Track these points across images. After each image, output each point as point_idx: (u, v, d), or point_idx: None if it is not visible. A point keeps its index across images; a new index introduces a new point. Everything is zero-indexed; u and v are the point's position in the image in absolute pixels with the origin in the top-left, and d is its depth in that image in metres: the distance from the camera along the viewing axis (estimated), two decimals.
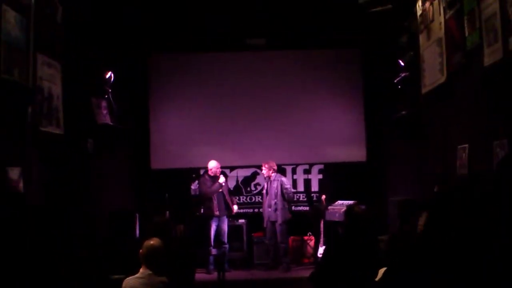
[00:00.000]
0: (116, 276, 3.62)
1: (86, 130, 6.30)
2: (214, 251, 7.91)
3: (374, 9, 6.88)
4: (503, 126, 4.29)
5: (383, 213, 7.65)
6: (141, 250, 3.57)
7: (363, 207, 6.54)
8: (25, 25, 4.68)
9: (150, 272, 3.47)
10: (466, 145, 5.03)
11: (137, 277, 3.49)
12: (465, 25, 4.86)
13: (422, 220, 4.28)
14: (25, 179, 4.46)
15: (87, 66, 6.37)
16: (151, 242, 3.57)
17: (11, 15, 4.43)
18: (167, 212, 7.75)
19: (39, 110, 4.94)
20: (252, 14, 7.81)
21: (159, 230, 3.99)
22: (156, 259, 3.50)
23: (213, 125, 9.06)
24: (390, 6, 6.85)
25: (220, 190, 8.03)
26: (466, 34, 4.86)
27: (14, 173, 4.36)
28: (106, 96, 6.86)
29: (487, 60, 4.39)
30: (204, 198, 8.05)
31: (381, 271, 3.94)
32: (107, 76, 6.85)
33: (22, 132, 4.62)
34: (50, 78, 5.27)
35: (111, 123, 6.89)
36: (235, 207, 8.32)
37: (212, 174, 8.06)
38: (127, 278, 3.52)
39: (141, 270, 3.53)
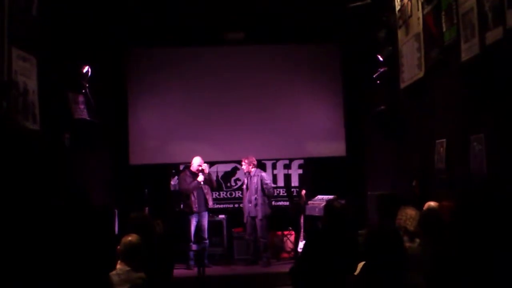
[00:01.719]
0: None
1: (63, 125, 6.19)
2: (194, 247, 7.88)
3: (354, 4, 6.92)
4: (480, 121, 4.35)
5: (363, 207, 7.72)
6: (119, 246, 3.53)
7: (342, 201, 6.58)
8: None
9: (129, 268, 3.44)
10: (444, 140, 5.09)
11: (115, 274, 3.45)
12: (443, 20, 4.91)
13: (401, 214, 4.31)
14: None
15: (64, 60, 6.25)
16: (129, 238, 3.53)
17: None
18: (146, 208, 7.70)
19: (14, 105, 4.84)
20: (231, 7, 7.77)
21: (137, 226, 3.94)
22: (134, 255, 3.46)
23: (193, 120, 9.01)
24: (368, 0, 6.89)
25: (200, 186, 7.99)
26: (444, 29, 4.91)
27: None
28: (83, 91, 6.74)
29: (464, 56, 4.44)
30: (183, 194, 8.01)
31: (360, 265, 3.97)
32: (84, 70, 6.72)
33: None
34: (26, 73, 5.16)
35: (88, 118, 6.78)
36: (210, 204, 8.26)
37: (194, 170, 8.01)
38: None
39: (118, 266, 3.49)
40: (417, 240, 3.99)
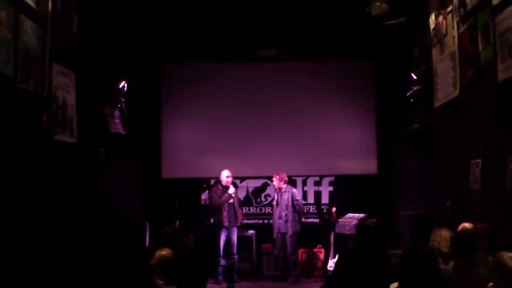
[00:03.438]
0: None
1: (99, 139, 6.34)
2: (223, 262, 7.89)
3: (388, 22, 6.91)
4: None
5: (394, 226, 7.62)
6: (152, 260, 3.58)
7: (374, 220, 6.53)
8: (42, 35, 4.74)
9: (162, 282, 3.48)
10: (479, 160, 5.00)
11: None
12: (479, 39, 4.86)
13: (435, 235, 4.25)
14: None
15: (101, 75, 6.43)
16: (163, 252, 3.58)
17: (28, 25, 4.49)
18: (177, 221, 7.77)
19: (54, 119, 4.99)
20: (265, 24, 7.84)
21: (169, 240, 3.99)
22: (167, 269, 3.50)
23: (224, 135, 9.09)
24: (403, 19, 6.88)
25: (231, 200, 8.03)
26: (480, 48, 4.86)
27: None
28: (119, 105, 6.90)
29: (501, 76, 4.38)
30: (214, 208, 8.05)
31: (393, 286, 3.92)
32: (121, 85, 6.89)
33: (36, 140, 4.65)
34: (65, 87, 5.32)
35: (123, 132, 6.93)
36: (239, 220, 8.28)
37: (224, 184, 8.06)
38: None
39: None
40: (451, 263, 3.92)
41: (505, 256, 2.94)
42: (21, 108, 4.38)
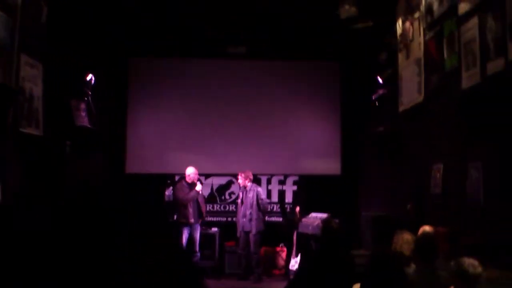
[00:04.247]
0: None
1: (65, 132, 6.23)
2: None
3: (356, 25, 7.04)
4: (477, 149, 4.45)
5: (356, 227, 7.78)
6: None
7: (337, 221, 6.65)
8: (10, 25, 4.63)
9: None
10: (441, 165, 5.18)
11: None
12: (444, 47, 5.03)
13: (397, 238, 4.36)
14: (2, 179, 4.39)
15: (68, 67, 6.32)
16: None
17: None
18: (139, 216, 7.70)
19: (20, 111, 4.88)
20: (233, 21, 7.86)
21: None
22: None
23: (190, 131, 9.07)
24: (371, 23, 7.02)
25: (197, 196, 8.02)
26: (445, 56, 5.03)
27: None
28: (86, 98, 6.79)
29: (465, 83, 4.55)
30: (179, 205, 8.01)
31: (356, 286, 4.02)
32: (88, 78, 6.79)
33: (2, 133, 4.54)
34: (32, 79, 5.22)
35: (89, 126, 6.83)
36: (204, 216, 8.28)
37: (189, 181, 8.03)
38: None
39: None
40: (413, 265, 4.04)
41: (467, 263, 3.03)
42: None
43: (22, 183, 4.93)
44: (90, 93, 6.85)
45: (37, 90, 5.34)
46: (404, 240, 4.32)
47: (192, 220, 7.91)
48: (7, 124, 4.63)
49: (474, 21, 4.34)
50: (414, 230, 4.52)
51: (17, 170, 4.89)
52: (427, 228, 4.53)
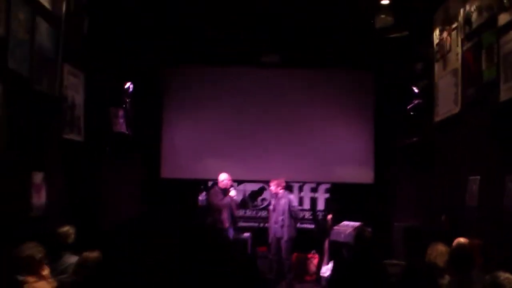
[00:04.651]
0: None
1: (104, 138, 6.42)
2: None
3: (391, 35, 7.03)
4: None
5: (387, 237, 7.73)
6: None
7: (369, 229, 6.64)
8: (55, 36, 4.82)
9: None
10: (477, 177, 5.12)
11: None
12: (483, 58, 4.97)
13: (431, 250, 4.35)
14: (47, 183, 4.59)
15: (108, 76, 6.51)
16: None
17: (43, 27, 4.58)
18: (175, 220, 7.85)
19: (63, 118, 5.07)
20: (268, 31, 7.94)
21: None
22: None
23: (224, 138, 9.19)
24: (406, 32, 7.00)
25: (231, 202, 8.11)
26: (483, 67, 4.97)
27: (38, 177, 4.50)
28: (124, 106, 6.98)
29: (503, 96, 4.50)
30: (213, 210, 8.11)
31: None
32: (126, 86, 6.98)
33: (47, 139, 4.74)
34: (74, 87, 5.41)
35: (126, 132, 7.01)
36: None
37: (223, 187, 8.12)
38: None
39: None
40: (447, 277, 4.02)
41: (502, 277, 3.01)
42: (36, 108, 4.47)
43: (65, 186, 5.12)
44: (128, 100, 7.04)
45: (79, 98, 5.54)
46: (439, 251, 4.31)
47: (227, 225, 8.00)
48: (52, 130, 4.83)
49: None
50: (448, 242, 4.50)
51: (61, 173, 5.09)
52: (461, 240, 4.50)
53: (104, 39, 6.29)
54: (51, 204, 4.66)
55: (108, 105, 6.63)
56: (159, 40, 8.05)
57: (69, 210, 5.14)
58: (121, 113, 6.95)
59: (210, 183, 9.07)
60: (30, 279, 3.51)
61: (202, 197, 9.18)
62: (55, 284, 3.67)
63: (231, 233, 8.18)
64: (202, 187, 9.26)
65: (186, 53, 8.74)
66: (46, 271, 3.69)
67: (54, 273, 3.98)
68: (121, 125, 6.90)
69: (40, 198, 4.52)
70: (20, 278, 3.47)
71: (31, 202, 4.37)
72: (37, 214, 4.45)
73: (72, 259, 4.10)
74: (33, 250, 3.60)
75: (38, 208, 4.48)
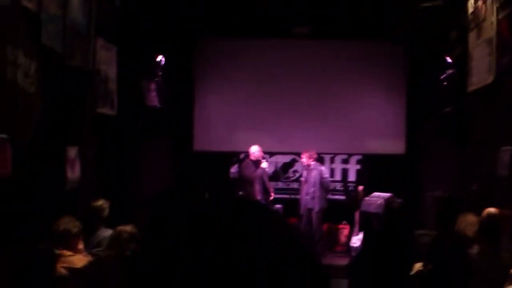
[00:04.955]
0: None
1: (137, 112, 6.56)
2: None
3: (425, 4, 6.88)
4: None
5: (420, 207, 7.73)
6: None
7: (400, 200, 6.65)
8: (87, 10, 4.92)
9: None
10: (510, 148, 5.05)
11: None
12: None
13: (461, 220, 4.35)
14: (81, 158, 4.74)
15: (140, 49, 6.60)
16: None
17: (75, 1, 4.67)
18: (207, 194, 8.02)
19: (96, 92, 5.21)
20: (299, 2, 7.87)
21: None
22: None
23: (255, 110, 9.24)
24: (441, 1, 6.84)
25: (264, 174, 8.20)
26: None
27: (72, 152, 4.65)
28: (156, 79, 7.09)
29: None
30: (245, 182, 8.22)
31: (417, 265, 4.08)
32: (158, 59, 7.07)
33: (81, 113, 4.89)
34: (107, 61, 5.52)
35: (159, 105, 7.14)
36: (272, 194, 8.47)
37: (254, 159, 8.20)
38: None
39: None
40: (476, 247, 4.03)
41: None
42: (69, 83, 4.59)
43: (98, 161, 5.28)
44: (160, 74, 7.14)
45: (112, 72, 5.65)
46: (468, 221, 4.31)
47: (259, 197, 8.11)
48: (86, 105, 4.97)
49: None
50: (478, 212, 4.49)
51: (94, 147, 5.25)
52: (491, 210, 4.48)
53: (136, 12, 6.37)
54: (85, 178, 4.80)
55: (141, 78, 6.74)
56: (191, 12, 8.08)
57: (103, 184, 5.30)
58: (153, 86, 7.06)
59: (241, 156, 9.17)
60: (66, 252, 3.60)
61: (234, 169, 9.31)
62: (90, 257, 3.76)
63: None
64: (234, 159, 9.38)
65: (218, 25, 8.75)
66: (81, 245, 3.77)
67: (89, 246, 4.09)
68: (153, 99, 7.03)
69: (74, 173, 4.64)
70: (57, 251, 3.56)
71: (65, 176, 4.48)
72: (71, 187, 4.57)
73: (107, 232, 4.15)
74: (69, 224, 3.68)
75: (72, 182, 4.60)
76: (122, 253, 3.40)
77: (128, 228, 3.59)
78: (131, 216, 4.63)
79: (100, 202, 4.52)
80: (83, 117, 4.93)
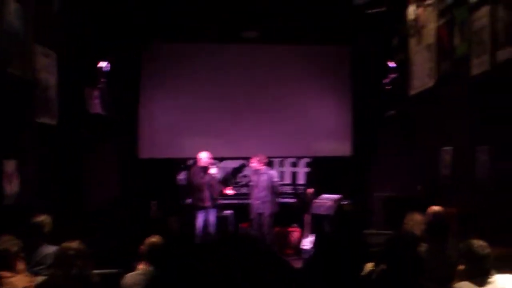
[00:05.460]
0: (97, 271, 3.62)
1: (79, 120, 6.34)
2: None
3: (369, 11, 7.04)
4: (486, 133, 4.50)
5: (367, 207, 7.88)
6: (142, 247, 3.67)
7: (350, 202, 6.77)
8: (25, 16, 4.70)
9: (152, 268, 3.57)
10: (451, 148, 5.24)
11: (138, 274, 3.58)
12: (455, 34, 5.04)
13: (407, 219, 4.44)
14: (21, 171, 4.51)
15: (82, 55, 6.39)
16: (153, 239, 3.66)
17: (12, 6, 4.46)
18: (155, 202, 7.86)
19: (36, 102, 4.99)
20: (246, 7, 7.87)
21: (155, 225, 4.10)
22: (158, 255, 3.59)
23: (203, 115, 9.12)
24: (384, 8, 7.01)
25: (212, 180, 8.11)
26: (456, 43, 5.04)
27: (10, 166, 4.41)
28: (99, 86, 6.89)
29: (475, 70, 4.58)
30: (194, 189, 8.10)
31: (368, 265, 4.13)
32: (101, 65, 6.88)
33: (19, 124, 4.66)
34: (47, 68, 5.30)
35: (103, 113, 6.94)
36: (230, 191, 8.41)
37: (202, 165, 8.10)
38: (127, 275, 3.60)
39: (141, 266, 3.63)
40: (424, 245, 4.12)
41: (476, 245, 3.13)
42: (6, 92, 4.37)
43: (39, 173, 5.05)
44: (103, 80, 6.94)
45: (52, 79, 5.43)
46: (415, 220, 4.40)
47: (207, 204, 8.00)
48: (25, 114, 4.74)
49: (485, 10, 4.35)
50: (424, 211, 4.61)
51: (34, 159, 5.01)
52: (436, 208, 4.60)
53: (76, 17, 6.16)
54: (25, 193, 4.58)
55: (83, 85, 6.53)
56: (135, 16, 7.91)
57: (44, 198, 5.06)
58: (96, 93, 6.86)
59: (190, 162, 9.05)
60: (6, 274, 3.38)
61: (182, 176, 9.18)
62: (32, 278, 3.54)
63: (213, 211, 8.20)
64: (182, 166, 9.25)
65: (164, 30, 8.60)
66: (22, 265, 3.54)
67: (31, 265, 3.87)
68: (96, 106, 6.83)
69: (12, 187, 4.41)
70: None
71: (2, 191, 4.25)
72: (9, 203, 4.34)
73: (50, 249, 3.93)
74: (8, 243, 3.45)
75: (10, 197, 4.37)
76: (68, 272, 3.21)
77: (74, 244, 3.33)
78: (76, 231, 4.42)
79: (42, 218, 4.23)
80: (21, 128, 4.69)
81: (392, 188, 7.38)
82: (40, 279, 3.45)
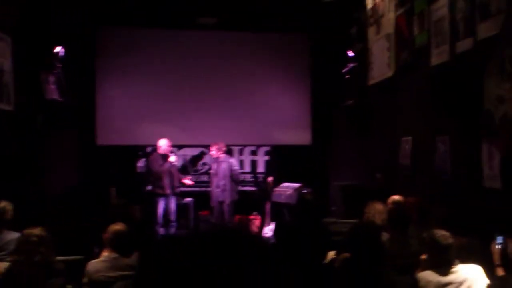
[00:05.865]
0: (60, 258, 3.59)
1: (35, 106, 6.15)
2: (162, 230, 7.96)
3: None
4: (445, 123, 4.64)
5: (326, 196, 8.01)
6: (106, 235, 3.62)
7: (309, 190, 6.85)
8: None
9: (116, 255, 3.54)
10: (410, 138, 5.36)
11: (102, 261, 3.54)
12: (415, 24, 5.14)
13: (368, 208, 4.53)
14: None
15: (37, 40, 6.19)
16: (117, 227, 3.62)
17: None
18: (113, 188, 7.73)
19: None
20: None
21: (118, 212, 4.04)
22: (122, 242, 3.56)
23: (162, 102, 9.03)
24: None
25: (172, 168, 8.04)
26: (415, 33, 5.14)
27: None
28: (55, 71, 6.69)
29: (434, 60, 4.69)
30: (153, 176, 8.02)
31: (330, 253, 4.21)
32: (57, 50, 6.67)
33: None
34: (1, 53, 5.12)
35: (59, 98, 6.75)
36: (188, 181, 8.36)
37: (162, 153, 8.02)
38: (91, 262, 3.56)
39: (105, 253, 3.59)
40: (385, 234, 4.21)
41: (438, 234, 3.22)
42: None
43: None
44: (59, 65, 6.74)
45: (7, 64, 5.25)
46: (376, 209, 4.47)
47: (168, 191, 7.94)
48: None
49: (444, 0, 4.45)
50: (384, 199, 4.70)
51: None
52: (396, 197, 4.71)
53: (32, 1, 5.96)
54: None
55: (39, 70, 6.32)
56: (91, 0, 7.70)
57: (3, 185, 4.92)
58: (52, 78, 6.66)
59: (149, 149, 8.94)
60: None
61: (141, 163, 9.07)
62: None
63: (173, 199, 8.14)
64: (140, 153, 9.13)
65: (120, 14, 8.41)
66: None
67: None
68: (53, 92, 6.64)
69: None
70: None
71: None
72: None
73: (12, 235, 3.91)
74: None
75: None
76: (31, 258, 3.16)
77: (37, 231, 3.32)
78: (37, 217, 4.31)
79: (3, 204, 4.18)
80: None
81: (351, 177, 7.52)
82: (2, 265, 3.39)
